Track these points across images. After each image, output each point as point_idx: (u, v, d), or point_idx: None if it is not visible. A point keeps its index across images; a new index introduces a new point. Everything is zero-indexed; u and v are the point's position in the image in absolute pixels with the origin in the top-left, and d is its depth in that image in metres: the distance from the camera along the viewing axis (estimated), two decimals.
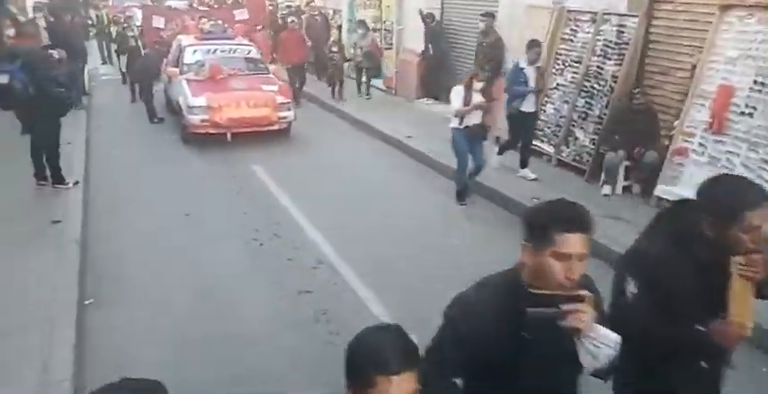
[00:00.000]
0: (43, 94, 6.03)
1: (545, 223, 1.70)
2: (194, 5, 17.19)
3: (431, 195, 7.28)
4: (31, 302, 4.40)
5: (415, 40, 11.52)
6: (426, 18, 10.72)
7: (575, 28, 7.64)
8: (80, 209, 6.16)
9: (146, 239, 5.85)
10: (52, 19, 12.08)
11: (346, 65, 12.27)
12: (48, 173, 6.62)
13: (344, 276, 5.21)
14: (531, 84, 7.06)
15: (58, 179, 6.63)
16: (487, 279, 1.92)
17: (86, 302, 4.66)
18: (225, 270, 5.31)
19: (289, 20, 12.43)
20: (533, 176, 7.22)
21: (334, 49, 12.06)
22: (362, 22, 12.45)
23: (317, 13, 14.30)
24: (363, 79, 12.10)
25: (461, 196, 6.89)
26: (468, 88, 6.41)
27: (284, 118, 8.91)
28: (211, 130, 8.55)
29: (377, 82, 12.44)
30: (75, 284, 4.71)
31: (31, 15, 18.51)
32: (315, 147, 9.15)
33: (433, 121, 10.22)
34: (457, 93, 6.49)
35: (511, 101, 7.19)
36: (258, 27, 13.38)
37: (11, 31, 7.88)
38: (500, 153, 7.59)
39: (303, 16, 14.32)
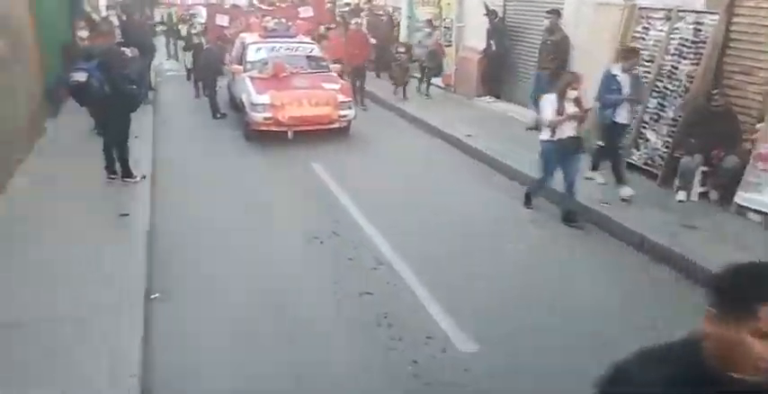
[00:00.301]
0: (117, 91, 6.22)
1: (746, 292, 1.31)
2: (257, 3, 17.52)
3: (491, 195, 7.15)
4: (99, 295, 4.53)
5: (475, 37, 11.36)
6: (490, 13, 10.52)
7: (647, 26, 7.32)
8: (147, 202, 6.33)
9: (210, 234, 5.96)
10: (124, 17, 12.56)
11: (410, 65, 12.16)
12: (117, 166, 6.83)
13: (405, 278, 5.15)
14: (626, 91, 6.57)
15: (127, 173, 6.84)
16: (656, 351, 1.48)
17: (152, 296, 4.78)
18: (287, 268, 5.34)
19: (353, 21, 12.29)
20: (630, 193, 6.47)
21: (401, 49, 11.85)
22: (428, 21, 12.27)
23: (381, 12, 14.26)
24: (424, 78, 12.03)
25: (529, 200, 6.66)
26: (562, 97, 5.91)
27: (344, 116, 8.93)
28: (273, 128, 8.65)
29: (435, 80, 12.32)
30: (143, 278, 4.83)
31: (104, 13, 19.35)
32: (373, 146, 9.16)
33: (493, 120, 10.09)
34: (548, 101, 6.01)
35: (603, 110, 6.73)
36: (331, 25, 13.48)
37: (84, 33, 8.15)
38: (594, 168, 7.14)
39: (362, 14, 14.34)
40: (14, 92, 7.19)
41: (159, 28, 16.54)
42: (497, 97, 11.34)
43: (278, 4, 14.73)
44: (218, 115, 10.35)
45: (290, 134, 8.73)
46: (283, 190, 7.28)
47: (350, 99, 9.12)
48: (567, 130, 5.97)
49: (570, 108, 5.93)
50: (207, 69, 10.46)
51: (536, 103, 9.53)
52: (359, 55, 11.49)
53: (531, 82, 9.72)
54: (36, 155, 7.39)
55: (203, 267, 5.30)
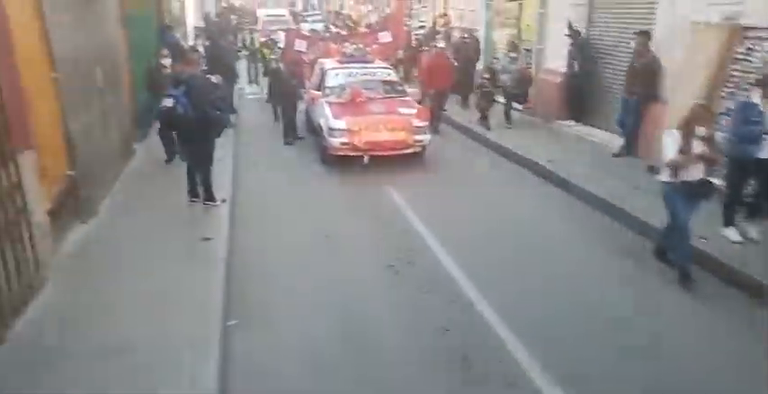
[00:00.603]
0: (203, 116, 6.40)
1: None
2: (334, 29, 17.87)
3: (574, 228, 6.79)
4: (177, 321, 4.58)
5: (556, 59, 11.04)
6: (573, 33, 10.20)
7: (751, 46, 6.81)
8: (227, 227, 6.42)
9: (288, 260, 5.97)
10: (208, 43, 13.10)
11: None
12: (200, 190, 7.00)
13: (484, 314, 4.93)
14: None
15: (209, 196, 6.99)
16: None
17: (230, 323, 4.79)
18: (363, 298, 5.25)
19: (438, 44, 11.68)
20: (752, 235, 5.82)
21: (486, 74, 11.11)
22: (512, 44, 11.50)
23: (467, 35, 13.54)
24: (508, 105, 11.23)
25: (662, 254, 5.69)
26: (688, 133, 5.14)
27: (420, 141, 8.86)
28: (350, 153, 8.67)
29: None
30: (221, 304, 4.85)
31: (191, 42, 20.35)
32: (448, 171, 9.01)
33: (574, 145, 9.70)
34: (672, 138, 5.22)
35: (738, 144, 5.85)
36: (424, 47, 13.30)
37: (167, 61, 8.52)
38: (728, 223, 6.08)
39: (439, 37, 14.18)
40: (111, 117, 7.56)
41: (242, 53, 17.15)
42: (578, 121, 10.93)
43: (358, 29, 14.84)
44: (290, 140, 10.41)
45: (365, 159, 8.72)
46: (359, 215, 7.23)
47: (426, 124, 9.01)
48: (694, 172, 5.20)
49: (699, 147, 5.16)
50: (285, 94, 10.57)
51: (622, 129, 9.17)
52: (442, 79, 11.11)
53: (618, 107, 9.27)
54: (124, 177, 7.70)
55: (281, 295, 5.29)
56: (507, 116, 11.14)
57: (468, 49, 13.17)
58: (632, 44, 8.80)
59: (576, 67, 10.34)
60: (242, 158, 9.70)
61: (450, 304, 5.12)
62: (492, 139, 10.30)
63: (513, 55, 11.08)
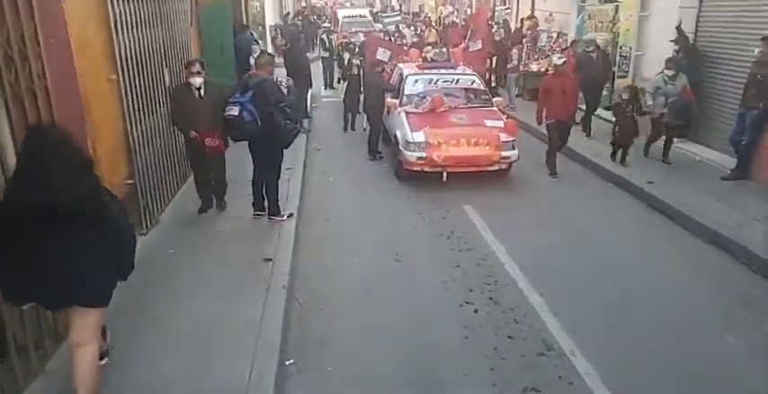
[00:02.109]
0: (269, 125, 5.91)
1: None
2: (402, 28, 17.00)
3: (683, 265, 5.83)
4: (229, 356, 4.08)
5: (656, 67, 9.90)
6: (681, 38, 9.09)
7: None
8: (290, 246, 5.90)
9: (353, 288, 5.37)
10: (288, 45, 12.77)
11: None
12: (266, 204, 6.54)
13: (581, 373, 4.13)
14: None
15: (275, 211, 6.51)
16: None
17: (287, 363, 4.24)
18: (436, 341, 4.55)
19: (559, 60, 8.79)
20: None
21: (625, 95, 8.51)
22: (674, 61, 8.53)
23: (591, 48, 10.54)
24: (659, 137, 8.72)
25: None
26: None
27: (507, 158, 7.93)
28: (427, 169, 7.89)
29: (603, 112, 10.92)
30: (278, 340, 4.30)
31: (269, 41, 20.24)
32: (535, 191, 8.07)
33: (678, 165, 8.60)
34: None
35: None
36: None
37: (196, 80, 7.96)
38: None
39: (558, 50, 12.06)
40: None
41: (319, 54, 16.75)
42: (681, 137, 9.77)
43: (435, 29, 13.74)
44: (377, 156, 9.49)
45: (444, 176, 7.92)
46: (433, 236, 6.53)
47: (514, 138, 8.06)
48: None
49: None
50: (372, 105, 9.57)
51: (736, 148, 8.03)
52: (566, 106, 8.48)
53: (732, 122, 8.14)
54: (189, 185, 7.34)
55: (345, 331, 4.69)
56: (666, 151, 8.65)
57: (592, 65, 10.27)
58: (756, 52, 7.66)
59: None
60: (313, 165, 9.24)
61: (540, 358, 4.35)
62: (582, 154, 9.31)
63: (668, 72, 8.34)
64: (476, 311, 4.98)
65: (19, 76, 3.76)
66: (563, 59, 8.92)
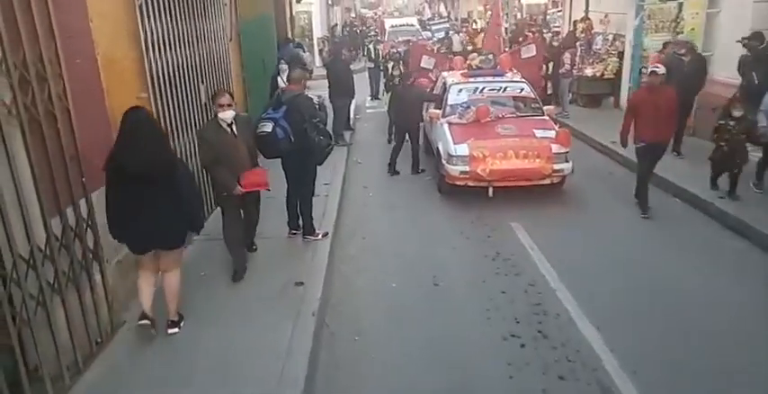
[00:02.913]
0: (304, 141, 5.66)
1: None
2: (452, 34, 16.52)
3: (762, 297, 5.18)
4: (251, 389, 3.80)
5: (725, 69, 9.16)
6: (754, 38, 8.31)
7: None
8: (323, 269, 5.60)
9: (388, 317, 5.02)
10: (331, 57, 12.60)
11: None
12: (300, 222, 6.28)
13: None
14: None
15: (309, 230, 6.25)
16: None
17: None
18: (477, 378, 4.15)
19: (658, 70, 6.94)
20: None
21: (737, 112, 6.96)
22: None
23: (682, 50, 8.90)
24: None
25: None
26: None
27: (559, 171, 7.33)
28: (471, 183, 7.39)
29: None
30: (303, 375, 3.99)
31: (316, 48, 20.15)
32: (592, 210, 7.39)
33: (752, 176, 7.84)
34: None
35: None
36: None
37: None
38: None
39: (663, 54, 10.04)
40: None
41: (365, 65, 16.55)
42: (756, 144, 8.97)
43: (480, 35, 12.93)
44: (420, 170, 9.04)
45: (490, 192, 7.39)
46: (477, 257, 6.11)
47: (567, 150, 7.44)
48: None
49: None
50: (409, 115, 8.95)
51: None
52: (661, 126, 6.83)
53: None
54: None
55: (373, 368, 4.34)
56: (760, 175, 7.33)
57: (682, 71, 8.51)
58: None
59: (757, 79, 8.43)
60: (353, 179, 8.97)
61: None
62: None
63: None
64: (522, 346, 4.53)
65: (36, 98, 3.61)
66: (662, 69, 7.04)
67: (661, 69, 6.93)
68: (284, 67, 9.02)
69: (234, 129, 5.18)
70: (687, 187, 7.56)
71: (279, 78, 9.48)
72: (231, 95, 5.24)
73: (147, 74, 5.39)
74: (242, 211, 5.52)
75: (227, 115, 5.07)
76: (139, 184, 4.01)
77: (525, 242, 6.40)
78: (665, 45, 10.61)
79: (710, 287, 5.31)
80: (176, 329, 4.48)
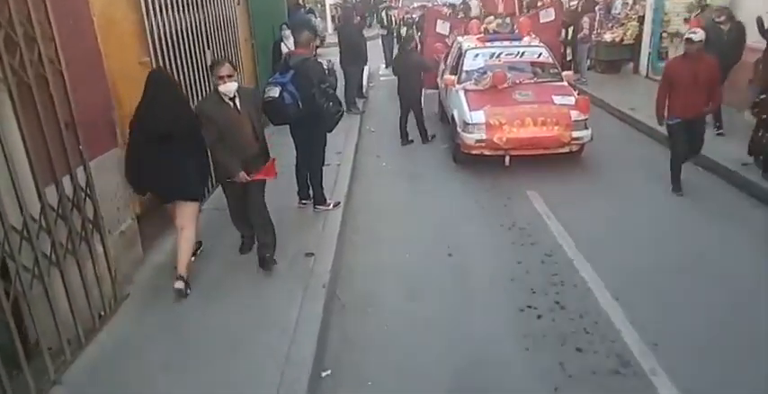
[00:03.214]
0: (311, 108, 5.43)
1: None
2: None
3: None
4: (258, 366, 3.68)
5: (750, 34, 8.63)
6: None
7: None
8: (334, 240, 5.44)
9: (401, 287, 4.85)
10: (342, 22, 12.24)
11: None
12: (310, 192, 6.11)
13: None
14: None
15: (320, 199, 6.08)
16: None
17: (324, 374, 3.81)
18: (492, 350, 3.99)
19: (694, 36, 6.09)
20: None
21: None
22: None
23: (721, 17, 8.15)
24: None
25: None
26: None
27: (578, 139, 7.05)
28: (487, 152, 7.13)
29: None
30: (312, 351, 3.86)
31: (329, 14, 19.72)
32: (609, 179, 7.08)
33: None
34: None
35: None
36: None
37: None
38: None
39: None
40: None
41: (378, 32, 16.13)
42: None
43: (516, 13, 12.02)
44: (430, 138, 8.77)
45: (506, 160, 7.14)
46: (492, 227, 5.91)
47: (586, 117, 7.12)
48: None
49: None
50: (408, 82, 8.50)
51: None
52: (698, 100, 6.16)
53: None
54: None
55: (389, 339, 4.20)
56: None
57: (721, 41, 7.80)
58: None
59: None
60: (366, 147, 8.76)
61: (615, 376, 3.70)
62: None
63: None
64: (539, 317, 4.36)
65: (24, 60, 3.43)
66: (700, 34, 6.12)
67: (698, 35, 6.11)
68: (287, 32, 8.67)
69: (237, 103, 4.61)
70: (710, 155, 7.12)
71: (282, 44, 9.17)
72: (233, 65, 4.64)
73: (149, 37, 5.19)
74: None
75: (228, 88, 4.49)
76: (162, 142, 4.30)
77: (542, 211, 6.19)
78: (702, 9, 9.99)
79: (736, 258, 5.07)
80: (182, 284, 4.42)
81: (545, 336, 4.13)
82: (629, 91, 10.88)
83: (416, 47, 9.04)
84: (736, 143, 7.10)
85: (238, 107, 4.63)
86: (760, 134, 6.47)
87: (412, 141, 8.77)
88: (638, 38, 12.22)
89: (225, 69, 4.48)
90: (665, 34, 11.58)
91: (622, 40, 12.32)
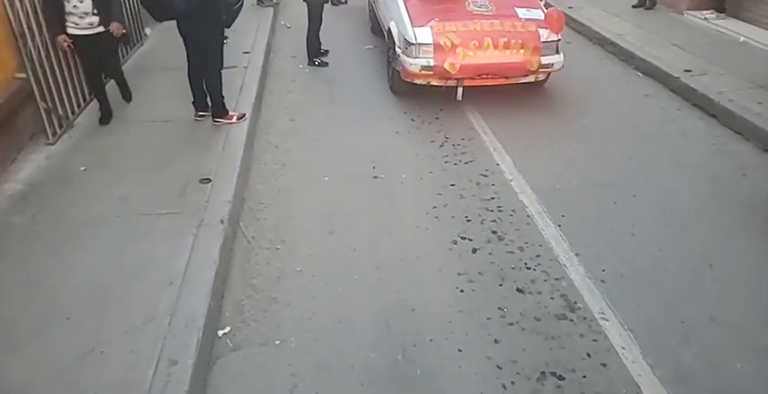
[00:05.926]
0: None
1: None
2: None
3: (744, 199, 4.57)
4: (135, 328, 2.98)
5: None
6: None
7: None
8: (238, 161, 4.57)
9: (318, 217, 4.15)
10: None
11: None
12: (208, 101, 5.13)
13: (617, 346, 3.07)
14: None
15: (220, 111, 5.12)
16: None
17: (221, 332, 3.15)
18: (420, 294, 3.43)
19: None
20: None
21: None
22: None
23: None
24: None
25: None
26: None
27: (547, 66, 5.64)
28: (434, 82, 5.62)
29: None
30: (205, 305, 3.15)
31: None
32: (578, 108, 5.90)
33: (719, 47, 7.10)
34: None
35: None
36: None
37: None
38: None
39: None
40: None
41: None
42: (721, 12, 8.14)
43: None
44: (317, 62, 6.99)
45: (459, 94, 5.66)
46: (422, 146, 5.18)
47: (558, 38, 5.68)
48: None
49: None
50: None
51: None
52: None
53: None
54: (127, 69, 5.81)
55: (301, 280, 3.55)
56: None
57: None
58: None
59: None
60: (280, 48, 7.63)
61: (560, 323, 3.25)
62: (608, 37, 7.65)
63: None
64: (474, 251, 3.82)
65: None
66: None
67: None
68: None
69: None
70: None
71: None
72: None
73: None
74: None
75: None
76: None
77: (477, 125, 5.51)
78: None
79: (679, 176, 4.67)
80: None
81: (481, 274, 3.61)
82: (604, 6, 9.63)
83: None
84: None
85: None
86: None
87: (326, 52, 7.28)
88: None
89: None
90: None
91: None
